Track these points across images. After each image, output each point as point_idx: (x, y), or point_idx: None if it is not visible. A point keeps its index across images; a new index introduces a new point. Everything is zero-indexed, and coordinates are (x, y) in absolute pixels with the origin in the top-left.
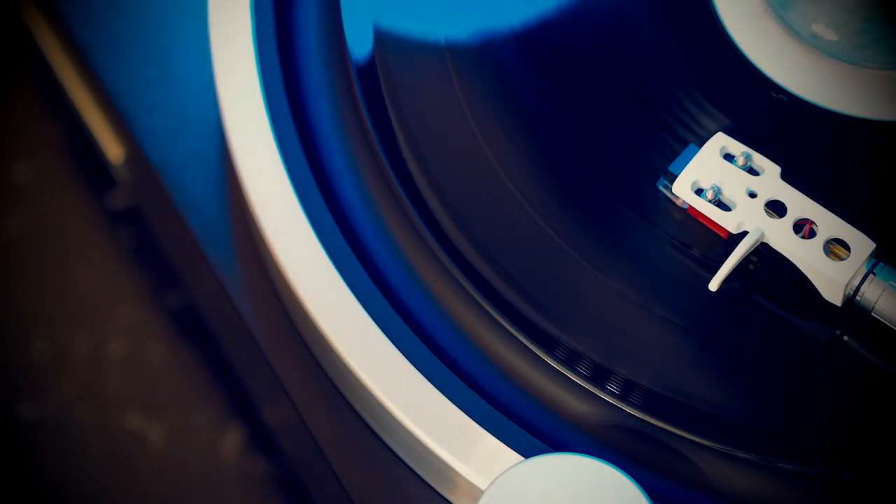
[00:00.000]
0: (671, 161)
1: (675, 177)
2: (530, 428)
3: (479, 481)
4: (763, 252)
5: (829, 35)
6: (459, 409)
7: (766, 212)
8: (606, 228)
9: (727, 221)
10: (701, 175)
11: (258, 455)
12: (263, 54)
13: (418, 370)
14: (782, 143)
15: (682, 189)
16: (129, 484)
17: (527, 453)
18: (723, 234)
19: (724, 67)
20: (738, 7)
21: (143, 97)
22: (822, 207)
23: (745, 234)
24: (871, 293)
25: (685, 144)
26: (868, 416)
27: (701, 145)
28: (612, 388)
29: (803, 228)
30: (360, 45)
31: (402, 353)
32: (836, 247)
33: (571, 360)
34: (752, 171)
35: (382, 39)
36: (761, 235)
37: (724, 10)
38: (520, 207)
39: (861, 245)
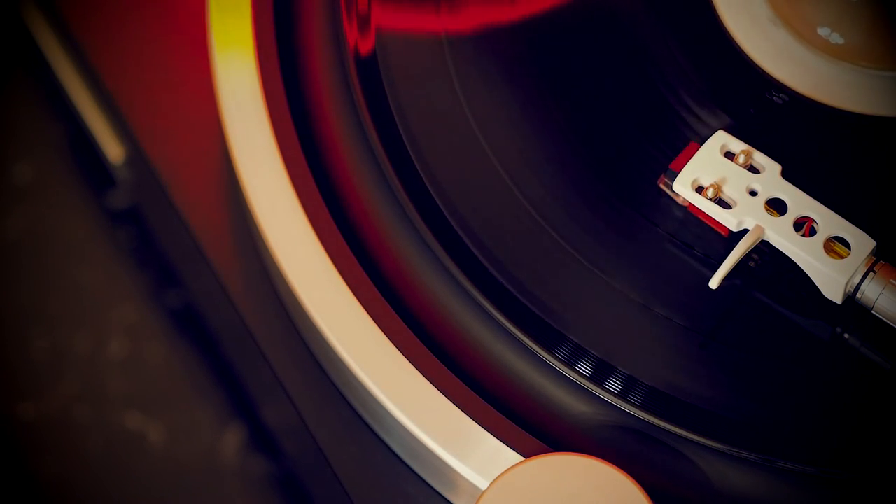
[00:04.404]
0: (672, 159)
1: (676, 175)
2: (530, 428)
3: (479, 481)
4: (763, 250)
5: (835, 38)
6: (459, 409)
7: (767, 210)
8: (607, 226)
9: (727, 219)
10: (701, 173)
11: (258, 455)
12: (263, 54)
13: (418, 370)
14: (783, 141)
15: (682, 187)
16: (129, 484)
17: (527, 453)
18: (723, 232)
19: (725, 65)
20: (740, 6)
21: (143, 97)
22: (822, 205)
23: (745, 231)
24: (872, 291)
25: (686, 142)
26: (868, 416)
27: (702, 143)
28: (612, 387)
29: (804, 226)
30: (361, 42)
31: (401, 352)
32: (836, 245)
33: (572, 360)
34: (753, 169)
35: (382, 35)
36: (762, 233)
37: (726, 9)
38: (521, 207)
39: (861, 243)
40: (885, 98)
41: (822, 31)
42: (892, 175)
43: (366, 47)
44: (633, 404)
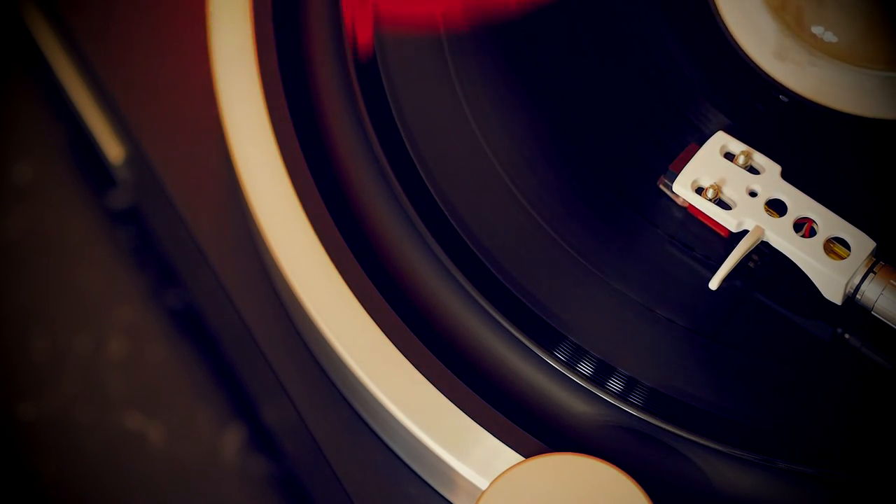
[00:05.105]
0: (672, 159)
1: (676, 175)
2: (530, 428)
3: (479, 481)
4: (763, 251)
5: (829, 36)
6: (459, 409)
7: (767, 210)
8: (606, 227)
9: (727, 220)
10: (701, 174)
11: (258, 455)
12: (263, 54)
13: (418, 370)
14: (782, 142)
15: (682, 188)
16: (129, 484)
17: (527, 453)
18: (723, 233)
19: (724, 66)
20: (739, 6)
21: (142, 97)
22: (822, 206)
23: (745, 232)
24: (872, 292)
25: (686, 143)
26: (868, 416)
27: (702, 144)
28: (612, 387)
29: (803, 227)
30: (360, 42)
31: (401, 352)
32: (836, 245)
33: (571, 360)
34: (753, 170)
35: (382, 35)
36: (761, 234)
37: (725, 9)
38: (520, 207)
39: (861, 244)
40: (881, 98)
41: (816, 30)
42: (892, 176)
43: (366, 46)
44: (633, 405)
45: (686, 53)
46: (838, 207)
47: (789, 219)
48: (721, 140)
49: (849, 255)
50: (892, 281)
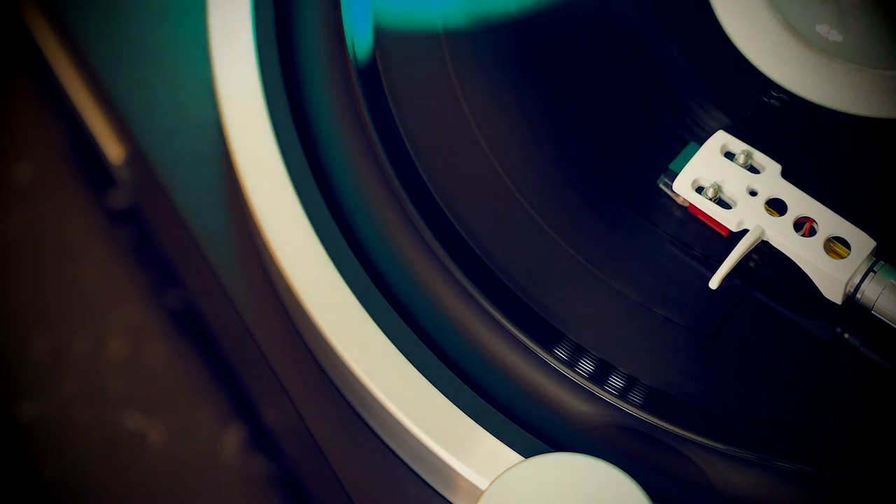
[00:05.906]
0: (672, 159)
1: (676, 175)
2: (530, 428)
3: (479, 481)
4: (763, 250)
5: (833, 35)
6: (459, 409)
7: (767, 210)
8: (606, 227)
9: (727, 219)
10: (701, 173)
11: (258, 455)
12: (263, 53)
13: (418, 370)
14: (783, 141)
15: (682, 187)
16: (129, 484)
17: (527, 453)
18: (723, 233)
19: (725, 66)
20: (737, 6)
21: (142, 97)
22: (822, 205)
23: (745, 232)
24: (872, 291)
25: (686, 142)
26: (868, 416)
27: (702, 143)
28: (611, 387)
29: (804, 226)
30: (360, 42)
31: (401, 352)
32: (836, 245)
33: (571, 360)
34: (753, 170)
35: (382, 37)
36: (762, 233)
37: (722, 10)
38: (520, 207)
39: (861, 243)
40: (884, 98)
41: (821, 29)
42: (892, 175)
43: (366, 44)
44: (633, 404)
45: (687, 53)
46: (838, 207)
47: (789, 218)
48: (721, 139)
49: (849, 255)
50: (892, 280)
